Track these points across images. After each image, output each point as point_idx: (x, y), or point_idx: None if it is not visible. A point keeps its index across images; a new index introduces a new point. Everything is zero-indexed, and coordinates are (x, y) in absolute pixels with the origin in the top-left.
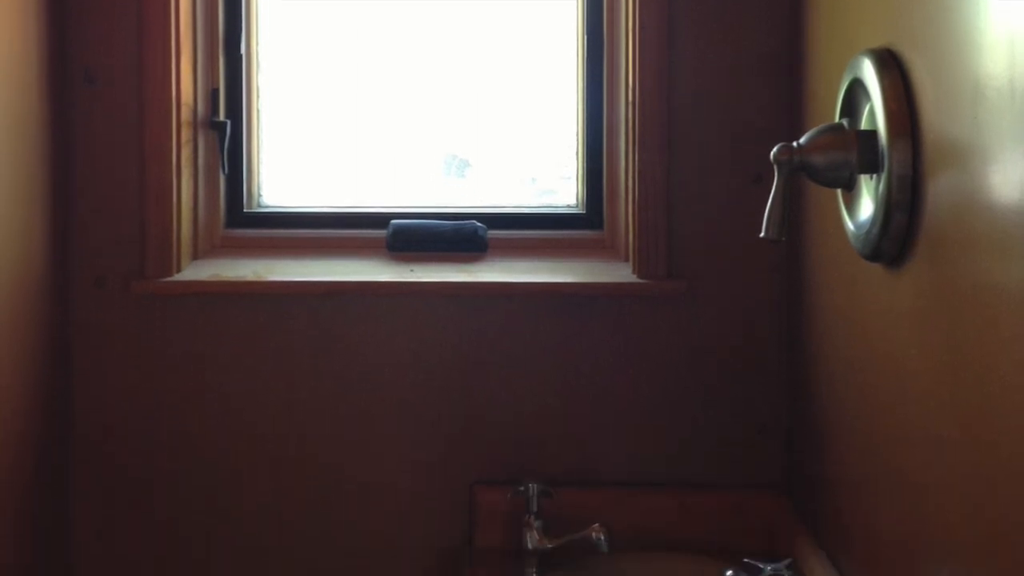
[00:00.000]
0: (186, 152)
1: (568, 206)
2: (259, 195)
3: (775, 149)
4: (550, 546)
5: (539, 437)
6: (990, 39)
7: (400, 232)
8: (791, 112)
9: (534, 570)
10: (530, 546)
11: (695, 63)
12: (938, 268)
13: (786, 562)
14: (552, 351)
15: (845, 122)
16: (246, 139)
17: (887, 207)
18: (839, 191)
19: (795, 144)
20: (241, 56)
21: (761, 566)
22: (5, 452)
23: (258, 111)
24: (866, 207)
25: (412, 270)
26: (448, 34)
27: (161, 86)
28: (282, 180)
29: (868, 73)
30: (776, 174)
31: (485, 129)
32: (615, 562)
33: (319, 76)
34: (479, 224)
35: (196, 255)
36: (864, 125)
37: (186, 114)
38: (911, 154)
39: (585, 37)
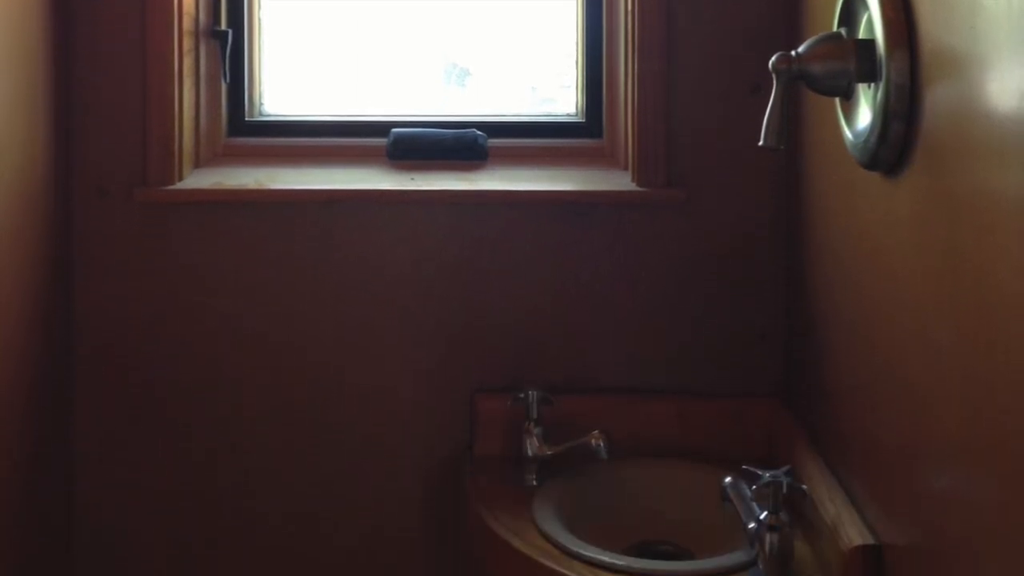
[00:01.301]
0: (188, 61)
1: (568, 115)
2: (260, 104)
3: (774, 58)
4: (550, 453)
5: (539, 344)
6: None
7: (401, 140)
8: (790, 21)
9: (534, 477)
10: (530, 453)
11: None
12: (936, 176)
13: (784, 469)
14: (552, 259)
15: (843, 31)
16: (247, 48)
17: (885, 116)
18: (837, 100)
19: (793, 53)
20: None
21: (760, 473)
22: (7, 362)
23: (259, 20)
24: (864, 116)
25: (413, 178)
26: None
27: None
28: (283, 89)
29: None
30: (775, 83)
31: (485, 38)
32: (614, 469)
33: None
34: (479, 133)
35: (198, 164)
36: (862, 34)
37: (188, 23)
38: (909, 63)
39: None
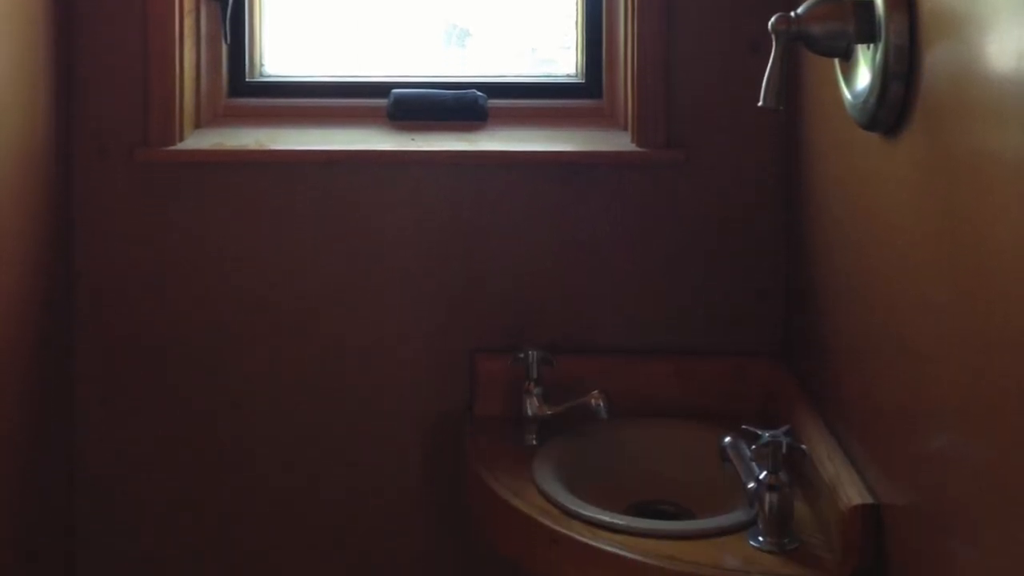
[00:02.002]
0: (189, 22)
1: (568, 75)
2: (261, 64)
3: (773, 19)
4: (550, 413)
5: (539, 305)
6: None
7: (401, 101)
8: None
9: (534, 437)
10: (530, 413)
11: None
12: (935, 136)
13: (784, 428)
14: (552, 219)
15: None
16: (248, 8)
17: (884, 77)
18: (836, 61)
19: (793, 14)
20: None
21: (759, 432)
22: (8, 322)
23: None
24: (863, 77)
25: (413, 139)
26: None
27: None
28: (284, 49)
29: None
30: (774, 43)
31: None
32: (614, 429)
33: None
34: (479, 93)
35: (199, 124)
36: None
37: None
38: (908, 24)
39: None
